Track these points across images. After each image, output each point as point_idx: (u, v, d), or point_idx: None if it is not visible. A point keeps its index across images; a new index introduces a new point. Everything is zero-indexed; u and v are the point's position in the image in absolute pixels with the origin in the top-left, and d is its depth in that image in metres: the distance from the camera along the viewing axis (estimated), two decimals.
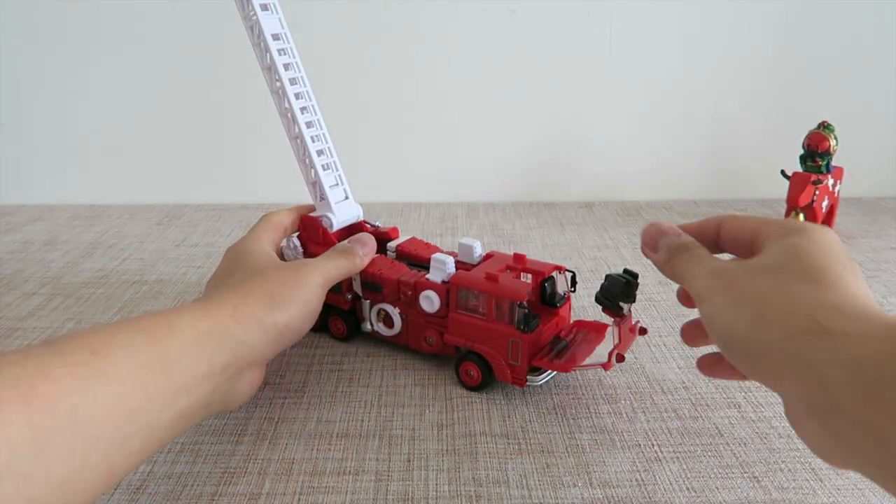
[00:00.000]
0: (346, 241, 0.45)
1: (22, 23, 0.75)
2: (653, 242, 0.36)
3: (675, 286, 0.59)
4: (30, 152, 0.81)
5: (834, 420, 0.23)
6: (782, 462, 0.38)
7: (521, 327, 0.40)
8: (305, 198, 0.87)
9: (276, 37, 0.45)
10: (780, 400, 0.43)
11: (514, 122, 0.80)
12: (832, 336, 0.24)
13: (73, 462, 0.25)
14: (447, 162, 0.82)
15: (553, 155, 0.82)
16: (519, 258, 0.44)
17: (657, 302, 0.56)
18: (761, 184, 0.81)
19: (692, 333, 0.37)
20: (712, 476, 0.37)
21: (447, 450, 0.39)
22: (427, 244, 0.49)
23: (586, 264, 0.64)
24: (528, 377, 0.41)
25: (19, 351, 0.26)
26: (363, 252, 0.45)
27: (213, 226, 0.75)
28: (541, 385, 0.43)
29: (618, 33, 0.76)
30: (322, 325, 0.50)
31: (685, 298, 0.37)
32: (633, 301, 0.40)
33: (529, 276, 0.43)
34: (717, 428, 0.41)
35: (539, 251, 0.67)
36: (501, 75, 0.78)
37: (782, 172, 0.67)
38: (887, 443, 0.21)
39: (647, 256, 0.36)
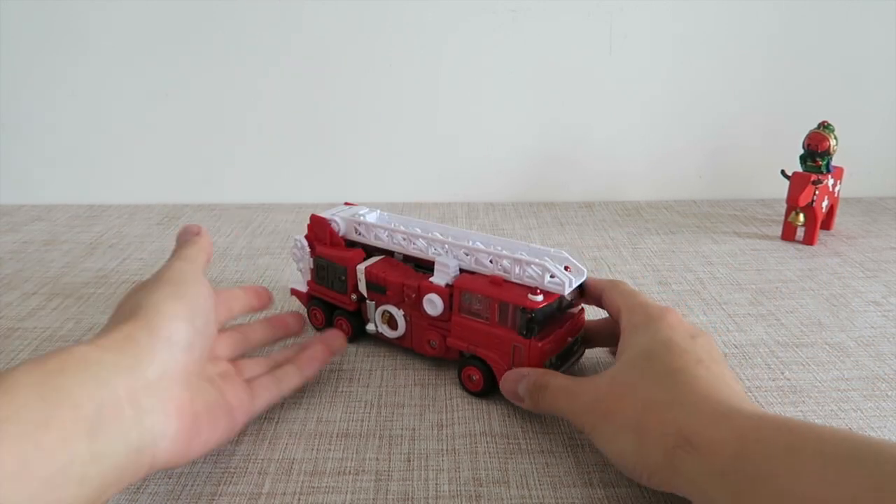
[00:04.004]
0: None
1: (22, 23, 0.75)
2: (514, 394, 0.40)
3: (676, 286, 0.59)
4: (30, 152, 0.81)
5: None
6: None
7: (524, 332, 0.40)
8: (304, 196, 0.88)
9: None
10: (780, 400, 0.43)
11: (514, 121, 0.80)
12: (698, 449, 0.29)
13: None
14: (447, 162, 0.82)
15: (553, 155, 0.82)
16: None
17: (657, 302, 0.56)
18: (761, 184, 0.81)
19: None
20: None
21: (447, 450, 0.39)
22: None
23: (586, 264, 0.64)
24: None
25: None
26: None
27: (213, 226, 0.74)
28: None
29: (618, 33, 0.76)
30: (328, 326, 0.50)
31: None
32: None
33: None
34: None
35: None
36: (502, 75, 0.78)
37: (782, 172, 0.67)
38: None
39: (519, 405, 0.40)
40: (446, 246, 0.44)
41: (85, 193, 0.82)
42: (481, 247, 0.43)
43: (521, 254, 0.42)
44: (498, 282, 0.41)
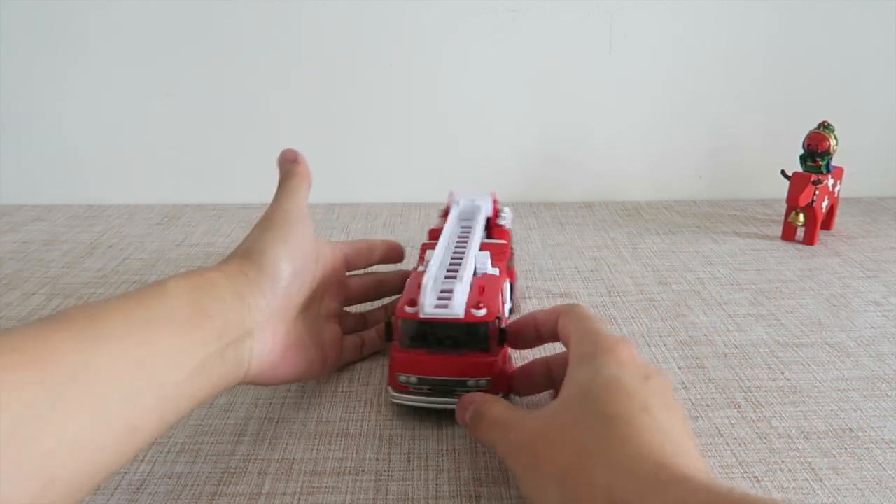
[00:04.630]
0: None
1: (22, 23, 0.75)
2: (464, 422, 0.37)
3: (676, 286, 0.59)
4: (30, 152, 0.81)
5: None
6: (782, 462, 0.38)
7: (386, 336, 0.42)
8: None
9: None
10: (780, 400, 0.43)
11: (514, 122, 0.80)
12: None
13: (84, 418, 0.26)
14: (447, 162, 0.82)
15: (553, 155, 0.82)
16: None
17: (657, 302, 0.56)
18: (761, 184, 0.81)
19: None
20: (712, 476, 0.37)
21: (447, 450, 0.39)
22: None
23: (586, 264, 0.64)
24: (389, 388, 0.41)
25: (16, 327, 0.28)
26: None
27: (213, 226, 0.75)
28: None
29: (618, 33, 0.76)
30: None
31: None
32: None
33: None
34: (716, 428, 0.41)
35: (539, 251, 0.67)
36: (501, 75, 0.78)
37: (782, 172, 0.67)
38: None
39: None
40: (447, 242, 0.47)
41: (85, 193, 0.82)
42: (442, 243, 0.45)
43: (430, 263, 0.42)
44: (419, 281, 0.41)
